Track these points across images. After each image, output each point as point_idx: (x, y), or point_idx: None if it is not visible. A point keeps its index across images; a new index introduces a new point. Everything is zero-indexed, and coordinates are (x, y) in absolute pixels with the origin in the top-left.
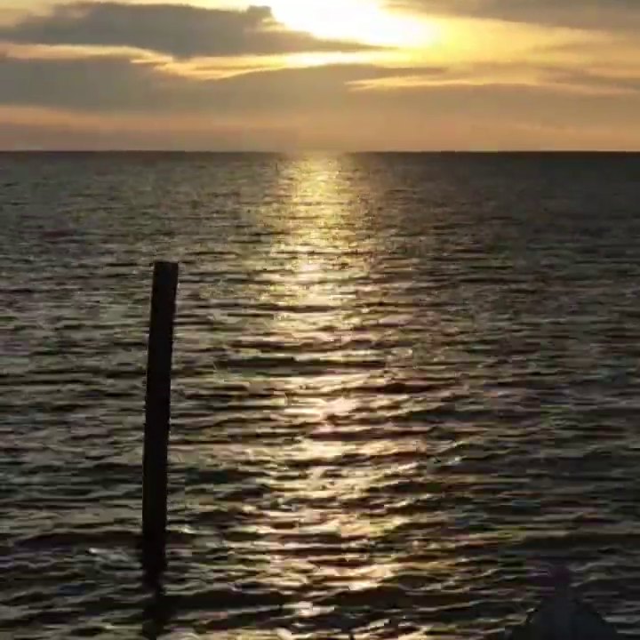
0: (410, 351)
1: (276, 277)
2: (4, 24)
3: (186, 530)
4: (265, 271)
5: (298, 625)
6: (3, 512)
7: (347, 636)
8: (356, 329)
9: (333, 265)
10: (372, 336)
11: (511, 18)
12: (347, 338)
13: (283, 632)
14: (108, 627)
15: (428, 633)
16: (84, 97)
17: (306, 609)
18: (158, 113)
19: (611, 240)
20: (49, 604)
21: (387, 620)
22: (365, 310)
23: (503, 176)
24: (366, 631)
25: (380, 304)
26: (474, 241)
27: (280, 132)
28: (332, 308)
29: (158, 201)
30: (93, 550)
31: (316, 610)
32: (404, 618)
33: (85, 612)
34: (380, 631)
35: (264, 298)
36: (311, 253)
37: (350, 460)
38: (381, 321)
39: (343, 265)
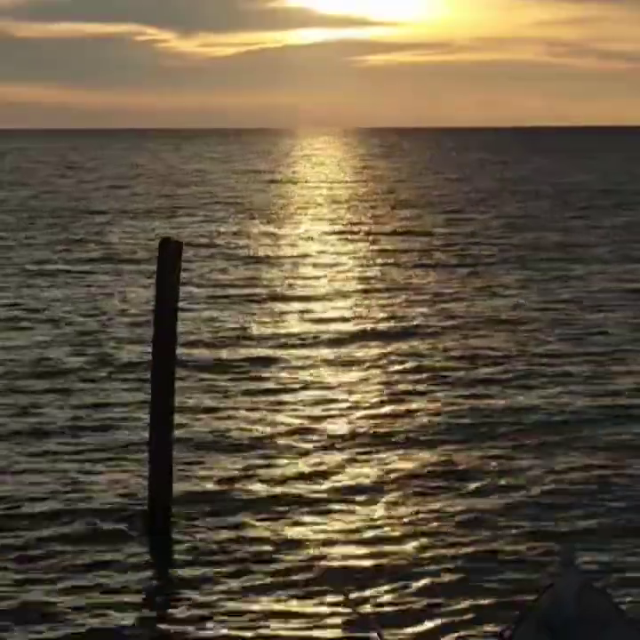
0: (442, 336)
1: (307, 259)
2: (7, 2)
3: (192, 505)
4: (295, 251)
5: (307, 599)
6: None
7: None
8: (387, 310)
9: (367, 246)
10: (403, 321)
11: None
12: (374, 321)
13: (292, 603)
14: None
15: (435, 615)
16: (87, 75)
17: (313, 579)
18: (162, 90)
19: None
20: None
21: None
22: (401, 294)
23: (513, 151)
24: (376, 611)
25: (418, 289)
26: (505, 217)
27: (284, 108)
28: (367, 292)
29: (174, 179)
30: (98, 524)
31: (327, 586)
32: (413, 600)
33: (87, 581)
34: (390, 613)
35: (291, 279)
36: (340, 233)
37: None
38: (414, 306)
39: (377, 245)
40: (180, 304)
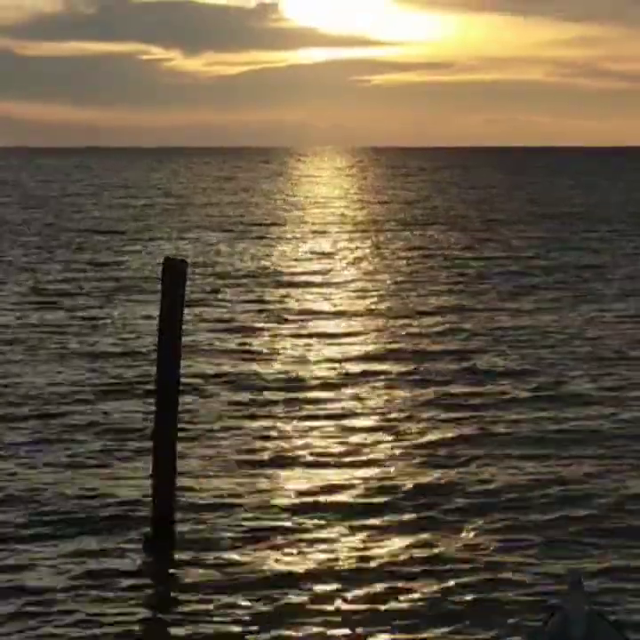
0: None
1: (337, 286)
2: (13, 20)
3: (196, 516)
4: (319, 277)
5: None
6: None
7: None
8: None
9: (386, 268)
10: (427, 342)
11: (519, 12)
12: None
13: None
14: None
15: (441, 636)
16: (91, 94)
17: (316, 586)
18: (167, 109)
19: None
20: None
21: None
22: (429, 322)
23: (524, 171)
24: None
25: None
26: (530, 238)
27: (289, 127)
28: (397, 318)
29: (189, 197)
30: (100, 532)
31: (336, 594)
32: (417, 620)
33: (90, 594)
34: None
35: (316, 301)
36: (362, 258)
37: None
38: (447, 338)
39: (397, 267)
40: (195, 330)
